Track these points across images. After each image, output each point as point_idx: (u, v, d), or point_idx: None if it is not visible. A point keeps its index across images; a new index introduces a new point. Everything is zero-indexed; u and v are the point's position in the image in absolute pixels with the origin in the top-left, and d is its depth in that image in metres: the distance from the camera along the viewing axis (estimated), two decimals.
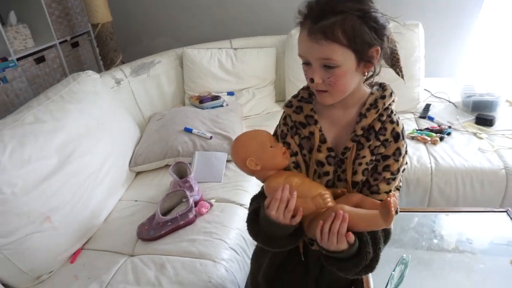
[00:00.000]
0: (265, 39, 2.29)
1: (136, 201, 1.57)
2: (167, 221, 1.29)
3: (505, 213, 1.20)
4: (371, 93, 0.80)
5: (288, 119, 0.86)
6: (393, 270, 1.02)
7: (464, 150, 1.61)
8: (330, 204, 0.74)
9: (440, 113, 1.94)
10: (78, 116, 1.50)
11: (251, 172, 0.83)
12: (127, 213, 1.51)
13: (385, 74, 2.15)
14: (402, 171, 0.81)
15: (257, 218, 0.81)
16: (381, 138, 0.78)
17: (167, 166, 1.73)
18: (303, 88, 0.86)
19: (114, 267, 1.24)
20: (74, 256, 1.32)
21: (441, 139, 1.69)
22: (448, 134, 1.73)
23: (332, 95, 0.76)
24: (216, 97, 2.06)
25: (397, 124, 0.79)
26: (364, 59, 0.73)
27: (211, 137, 1.71)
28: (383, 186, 0.79)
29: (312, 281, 0.98)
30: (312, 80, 0.74)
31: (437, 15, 2.23)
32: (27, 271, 1.21)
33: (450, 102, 2.03)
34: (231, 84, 2.24)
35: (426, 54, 2.06)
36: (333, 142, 0.81)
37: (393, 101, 0.80)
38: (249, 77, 2.23)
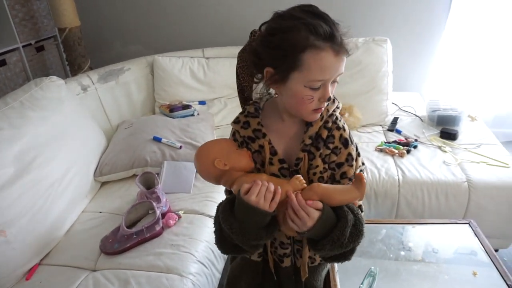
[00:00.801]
0: (237, 49, 2.25)
1: (100, 212, 1.50)
2: (132, 234, 1.24)
3: (468, 224, 1.23)
4: None
5: (237, 135, 0.84)
6: (361, 283, 1.02)
7: (430, 163, 1.65)
8: (305, 185, 0.75)
9: (407, 127, 1.99)
10: (40, 123, 1.43)
11: (218, 175, 0.80)
12: (90, 225, 1.44)
13: (353, 88, 2.19)
14: (360, 171, 0.83)
15: (231, 210, 0.76)
16: (331, 146, 0.79)
17: (134, 176, 1.67)
18: (249, 104, 0.84)
19: (74, 283, 1.17)
20: (30, 273, 1.23)
21: (408, 151, 1.74)
22: (415, 147, 1.78)
23: (324, 109, 0.78)
24: (187, 106, 2.03)
25: (344, 130, 0.80)
26: None
27: (180, 147, 1.68)
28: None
29: None
30: (329, 99, 0.73)
31: (405, 31, 2.31)
32: None
33: (416, 116, 2.09)
34: (202, 93, 2.22)
35: (394, 69, 2.12)
36: (284, 154, 0.81)
37: (337, 107, 0.81)
38: (221, 87, 2.21)
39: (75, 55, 2.49)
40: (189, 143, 1.72)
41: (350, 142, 0.79)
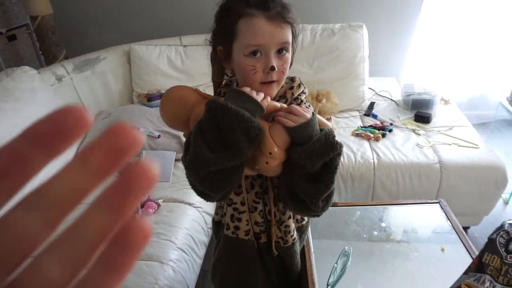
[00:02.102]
0: None
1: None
2: None
3: (438, 204, 1.28)
4: (281, 86, 0.81)
5: None
6: (336, 263, 1.06)
7: (404, 146, 1.70)
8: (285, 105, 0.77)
9: (383, 111, 2.04)
10: (13, 115, 1.40)
11: (191, 108, 0.76)
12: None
13: (330, 74, 2.21)
14: None
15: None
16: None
17: None
18: (222, 86, 0.84)
19: None
20: None
21: (383, 135, 1.78)
22: (390, 131, 1.82)
23: (278, 84, 0.77)
24: None
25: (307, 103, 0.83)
26: (294, 46, 0.77)
27: (159, 136, 1.68)
28: None
29: (269, 272, 1.00)
30: (273, 68, 0.72)
31: (380, 17, 2.34)
32: None
33: (392, 100, 2.14)
34: (181, 81, 2.20)
35: (370, 54, 2.15)
36: None
37: (302, 92, 0.82)
38: (200, 75, 2.20)
39: (48, 44, 2.43)
40: (168, 132, 1.71)
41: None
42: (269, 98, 0.74)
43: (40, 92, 1.59)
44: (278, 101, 0.81)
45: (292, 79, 0.85)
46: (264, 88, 0.75)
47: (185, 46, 2.22)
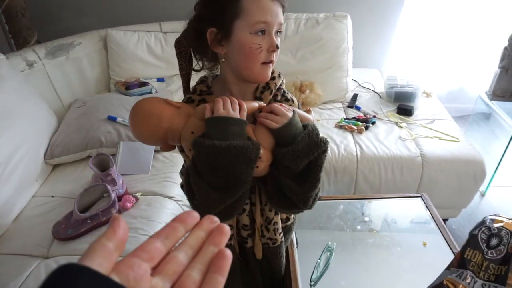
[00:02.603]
0: None
1: (52, 196, 1.42)
2: (86, 219, 1.19)
3: (420, 198, 1.29)
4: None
5: None
6: (319, 258, 1.04)
7: (387, 139, 1.70)
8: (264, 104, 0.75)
9: (366, 103, 2.03)
10: None
11: (167, 125, 0.71)
12: (41, 210, 1.36)
13: (314, 64, 2.18)
14: None
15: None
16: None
17: (88, 158, 1.59)
18: (197, 84, 0.80)
19: (25, 272, 1.12)
20: None
21: (366, 128, 1.78)
22: (373, 123, 1.81)
23: (272, 66, 0.75)
24: (144, 84, 1.94)
25: (293, 101, 0.81)
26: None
27: None
28: None
29: (253, 276, 0.98)
30: (277, 46, 0.71)
31: (365, 8, 2.31)
32: None
33: (375, 92, 2.13)
34: (160, 69, 2.13)
35: (354, 45, 2.13)
36: None
37: (282, 82, 0.81)
38: None
39: (19, 27, 2.30)
40: None
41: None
42: (245, 106, 0.70)
43: (8, 78, 1.50)
44: (262, 92, 0.78)
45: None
46: (264, 69, 0.73)
47: (165, 32, 2.14)
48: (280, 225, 0.89)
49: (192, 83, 0.84)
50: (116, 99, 1.79)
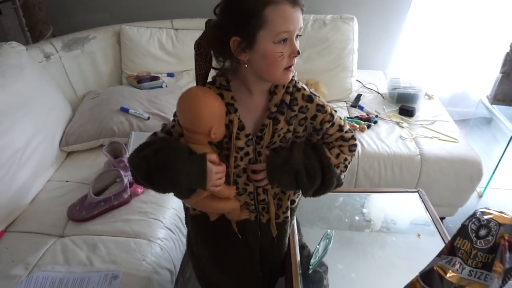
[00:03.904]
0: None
1: (67, 181, 1.50)
2: (100, 201, 1.26)
3: (417, 193, 1.35)
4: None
5: None
6: (318, 244, 1.10)
7: (388, 138, 1.76)
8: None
9: (369, 103, 2.09)
10: (1, 90, 1.39)
11: (193, 134, 0.81)
12: (56, 194, 1.44)
13: (320, 65, 2.23)
14: (343, 122, 0.91)
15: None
16: (296, 108, 0.84)
17: (101, 146, 1.67)
18: (218, 75, 0.85)
19: (41, 248, 1.19)
20: None
21: (368, 126, 1.84)
22: (375, 122, 1.87)
23: (293, 69, 0.80)
24: (155, 78, 2.02)
25: (304, 89, 0.86)
26: None
27: (148, 118, 1.68)
28: (331, 130, 0.88)
29: (253, 253, 1.05)
30: (299, 52, 0.76)
31: (371, 10, 2.37)
32: None
33: (378, 93, 2.19)
34: (171, 65, 2.20)
35: (359, 47, 2.19)
36: (251, 127, 0.86)
37: (294, 74, 0.85)
38: (190, 59, 2.15)
39: (35, 21, 2.39)
40: (157, 114, 1.72)
41: (314, 96, 0.85)
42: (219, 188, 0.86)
43: (28, 68, 1.57)
44: (276, 87, 0.83)
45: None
46: (285, 74, 0.78)
47: (176, 29, 2.21)
48: (287, 204, 0.96)
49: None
50: (128, 92, 1.87)
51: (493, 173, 2.00)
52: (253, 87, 0.84)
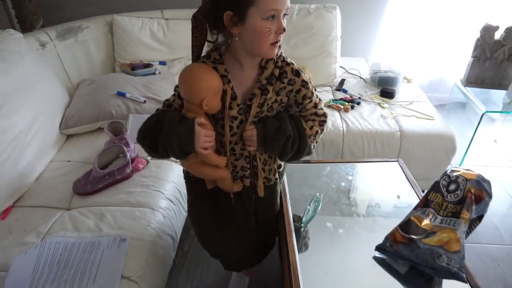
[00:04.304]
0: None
1: (69, 161, 1.57)
2: (104, 175, 1.35)
3: (397, 162, 1.47)
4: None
5: None
6: (308, 205, 1.22)
7: (370, 117, 1.89)
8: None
9: (353, 87, 2.22)
10: (2, 74, 1.45)
11: (190, 104, 0.91)
12: (59, 172, 1.51)
13: (305, 51, 2.35)
14: (318, 100, 1.02)
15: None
16: (285, 80, 0.94)
17: (99, 129, 1.74)
18: (212, 50, 0.93)
19: (50, 219, 1.27)
20: (5, 213, 1.31)
21: (352, 107, 1.96)
22: (358, 103, 2.00)
23: (279, 44, 0.90)
24: (148, 65, 2.10)
25: (293, 64, 0.96)
26: None
27: (144, 101, 1.76)
28: (308, 106, 1.00)
29: (248, 217, 1.15)
30: (284, 29, 0.86)
31: (353, 0, 2.50)
32: None
33: (361, 78, 2.32)
34: (162, 54, 2.28)
35: (342, 36, 2.31)
36: (242, 98, 0.96)
37: (282, 51, 0.95)
38: (181, 48, 2.28)
39: (25, 12, 2.42)
40: (153, 98, 1.81)
41: (301, 72, 0.95)
42: (208, 151, 0.95)
43: (27, 55, 1.63)
44: (267, 62, 0.93)
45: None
46: (272, 49, 0.88)
47: (167, 19, 2.29)
48: (275, 167, 1.08)
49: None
50: (123, 78, 1.94)
51: (467, 150, 2.16)
52: (244, 61, 0.93)
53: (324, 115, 1.06)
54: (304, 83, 0.96)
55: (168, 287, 1.45)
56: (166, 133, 0.90)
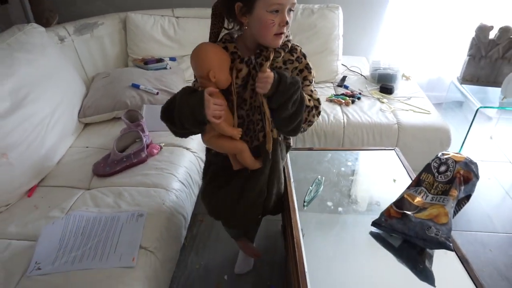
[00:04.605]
0: (205, 10, 2.46)
1: (87, 147, 1.68)
2: (122, 158, 1.46)
3: (393, 151, 1.58)
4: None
5: None
6: (311, 186, 1.32)
7: (370, 110, 1.99)
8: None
9: (354, 83, 2.32)
10: (28, 64, 1.56)
11: (200, 79, 1.02)
12: (79, 157, 1.62)
13: (309, 49, 2.46)
14: (315, 92, 1.12)
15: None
16: (294, 55, 1.05)
17: (114, 119, 1.86)
18: (224, 34, 1.07)
19: (72, 197, 1.38)
20: (31, 191, 1.42)
21: (353, 102, 2.07)
22: (359, 98, 2.11)
23: (284, 35, 1.00)
24: (160, 60, 2.21)
25: (301, 48, 1.07)
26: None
27: (157, 93, 1.87)
28: (306, 88, 1.08)
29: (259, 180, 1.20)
30: (287, 22, 0.96)
31: (355, 1, 2.61)
32: None
33: (361, 75, 2.43)
34: (173, 50, 2.39)
35: (344, 35, 2.42)
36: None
37: (290, 39, 1.07)
38: (191, 45, 2.33)
39: (42, 9, 2.54)
40: (165, 90, 1.92)
41: (307, 56, 1.07)
42: (219, 121, 1.03)
43: (49, 47, 1.75)
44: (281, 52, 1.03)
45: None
46: (276, 39, 0.99)
47: (177, 17, 2.40)
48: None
49: None
50: (136, 72, 2.05)
51: (462, 144, 2.25)
52: (252, 47, 1.04)
53: (316, 107, 1.09)
54: (308, 67, 1.07)
55: (179, 264, 1.56)
56: (178, 104, 1.00)
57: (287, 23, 0.97)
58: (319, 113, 1.13)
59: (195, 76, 1.11)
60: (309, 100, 1.09)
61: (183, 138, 1.21)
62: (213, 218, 1.33)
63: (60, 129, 1.63)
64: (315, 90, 1.13)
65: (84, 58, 2.14)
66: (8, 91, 1.42)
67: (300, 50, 1.07)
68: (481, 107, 2.06)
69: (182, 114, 1.00)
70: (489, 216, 1.94)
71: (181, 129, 1.06)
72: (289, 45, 1.06)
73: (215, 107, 0.99)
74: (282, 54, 1.04)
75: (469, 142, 2.24)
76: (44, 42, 1.74)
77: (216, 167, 1.26)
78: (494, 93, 2.31)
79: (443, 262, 1.05)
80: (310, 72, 1.08)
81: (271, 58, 1.01)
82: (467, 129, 2.23)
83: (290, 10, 0.98)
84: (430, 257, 1.09)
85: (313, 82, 1.12)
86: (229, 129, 1.07)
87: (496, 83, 2.26)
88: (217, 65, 1.00)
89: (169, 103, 1.07)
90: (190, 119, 1.00)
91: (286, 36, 1.08)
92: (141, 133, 1.52)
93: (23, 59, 1.56)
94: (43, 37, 1.75)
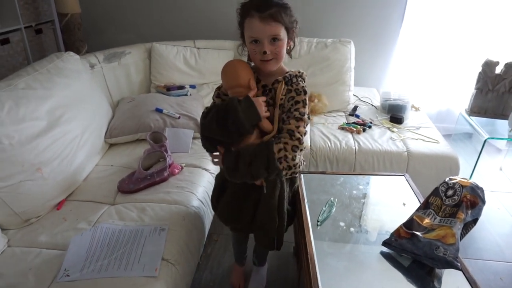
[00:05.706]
0: (224, 42, 2.63)
1: (112, 166, 1.79)
2: (146, 176, 1.55)
3: (403, 176, 1.64)
4: (287, 72, 1.21)
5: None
6: (324, 207, 1.39)
7: (380, 139, 2.08)
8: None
9: (365, 113, 2.42)
10: (64, 88, 1.71)
11: (238, 88, 1.15)
12: (104, 174, 1.73)
13: (322, 79, 2.60)
14: (305, 125, 1.18)
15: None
16: (294, 86, 1.17)
17: (138, 140, 1.97)
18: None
19: (99, 211, 1.47)
20: (60, 205, 1.51)
21: (364, 130, 2.16)
22: (369, 127, 2.20)
23: (277, 61, 1.16)
24: (181, 87, 2.35)
25: (304, 85, 1.19)
26: (289, 36, 1.16)
27: (179, 117, 2.00)
28: (292, 121, 1.14)
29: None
30: (265, 52, 1.10)
31: (366, 36, 2.76)
32: (19, 213, 1.38)
33: (372, 105, 2.53)
34: (193, 78, 2.54)
35: (356, 68, 2.55)
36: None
37: (302, 79, 1.21)
38: (210, 74, 2.55)
39: (74, 39, 2.74)
40: (186, 114, 2.04)
41: (306, 93, 1.18)
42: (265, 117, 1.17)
43: (83, 73, 1.90)
44: (284, 78, 1.18)
45: (298, 71, 1.23)
46: (262, 64, 1.15)
47: (198, 48, 2.57)
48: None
49: None
50: (159, 97, 2.19)
51: (472, 174, 2.30)
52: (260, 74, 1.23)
53: (299, 140, 1.13)
54: (304, 102, 1.17)
55: (194, 282, 1.61)
56: (233, 114, 1.09)
57: (265, 53, 1.10)
58: (301, 150, 1.16)
59: (218, 88, 1.26)
60: (279, 150, 1.11)
61: (202, 159, 1.34)
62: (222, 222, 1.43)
63: (89, 148, 1.74)
64: (303, 127, 1.16)
65: (111, 84, 2.29)
66: (45, 111, 1.55)
67: (302, 87, 1.18)
68: (489, 138, 2.13)
69: (238, 121, 1.09)
70: (499, 245, 1.96)
71: (231, 139, 1.15)
72: (292, 77, 1.19)
73: (263, 103, 1.14)
74: (282, 83, 1.18)
75: (479, 172, 2.29)
76: (79, 68, 1.89)
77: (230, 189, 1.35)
78: (502, 125, 2.37)
79: (451, 282, 1.09)
80: (304, 106, 1.17)
81: (278, 95, 1.17)
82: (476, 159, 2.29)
83: (274, 39, 1.11)
84: (439, 278, 1.14)
85: (306, 117, 1.16)
86: (268, 123, 1.18)
87: (503, 115, 2.33)
88: (252, 75, 1.17)
89: (209, 120, 1.17)
90: (246, 124, 1.10)
91: (296, 75, 1.20)
92: (165, 153, 1.62)
93: (61, 83, 1.71)
94: (78, 64, 1.90)
